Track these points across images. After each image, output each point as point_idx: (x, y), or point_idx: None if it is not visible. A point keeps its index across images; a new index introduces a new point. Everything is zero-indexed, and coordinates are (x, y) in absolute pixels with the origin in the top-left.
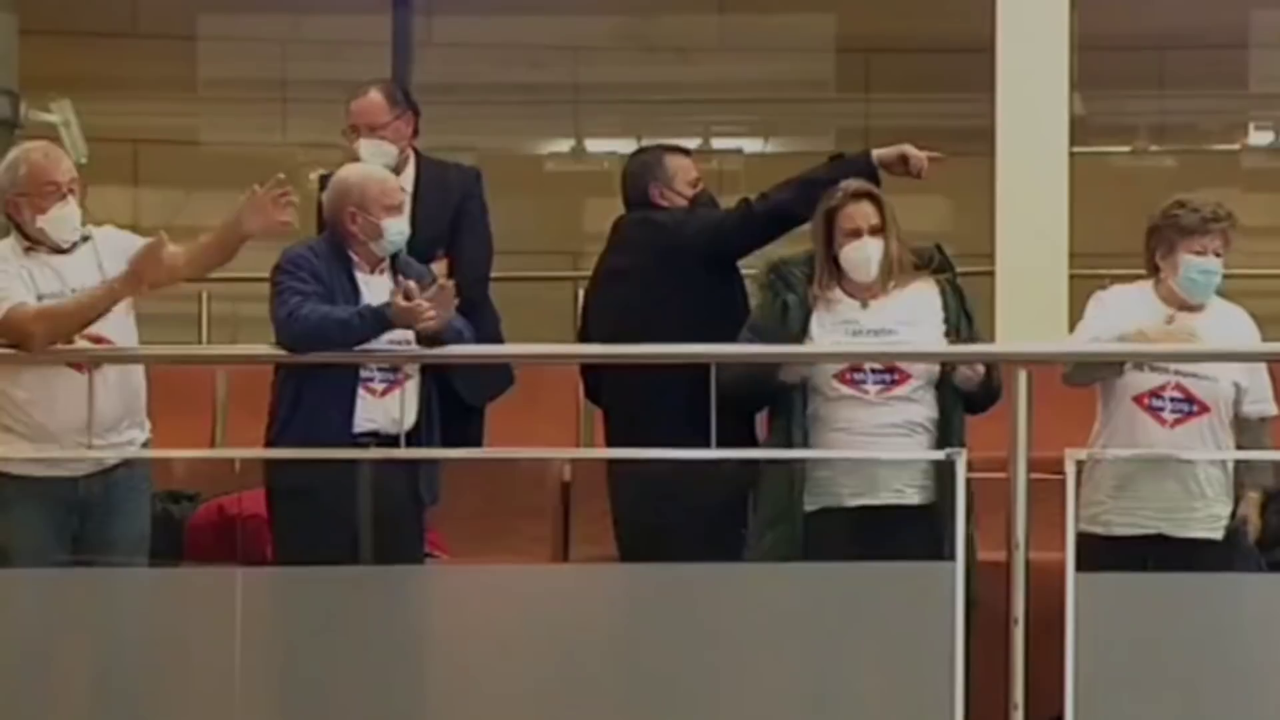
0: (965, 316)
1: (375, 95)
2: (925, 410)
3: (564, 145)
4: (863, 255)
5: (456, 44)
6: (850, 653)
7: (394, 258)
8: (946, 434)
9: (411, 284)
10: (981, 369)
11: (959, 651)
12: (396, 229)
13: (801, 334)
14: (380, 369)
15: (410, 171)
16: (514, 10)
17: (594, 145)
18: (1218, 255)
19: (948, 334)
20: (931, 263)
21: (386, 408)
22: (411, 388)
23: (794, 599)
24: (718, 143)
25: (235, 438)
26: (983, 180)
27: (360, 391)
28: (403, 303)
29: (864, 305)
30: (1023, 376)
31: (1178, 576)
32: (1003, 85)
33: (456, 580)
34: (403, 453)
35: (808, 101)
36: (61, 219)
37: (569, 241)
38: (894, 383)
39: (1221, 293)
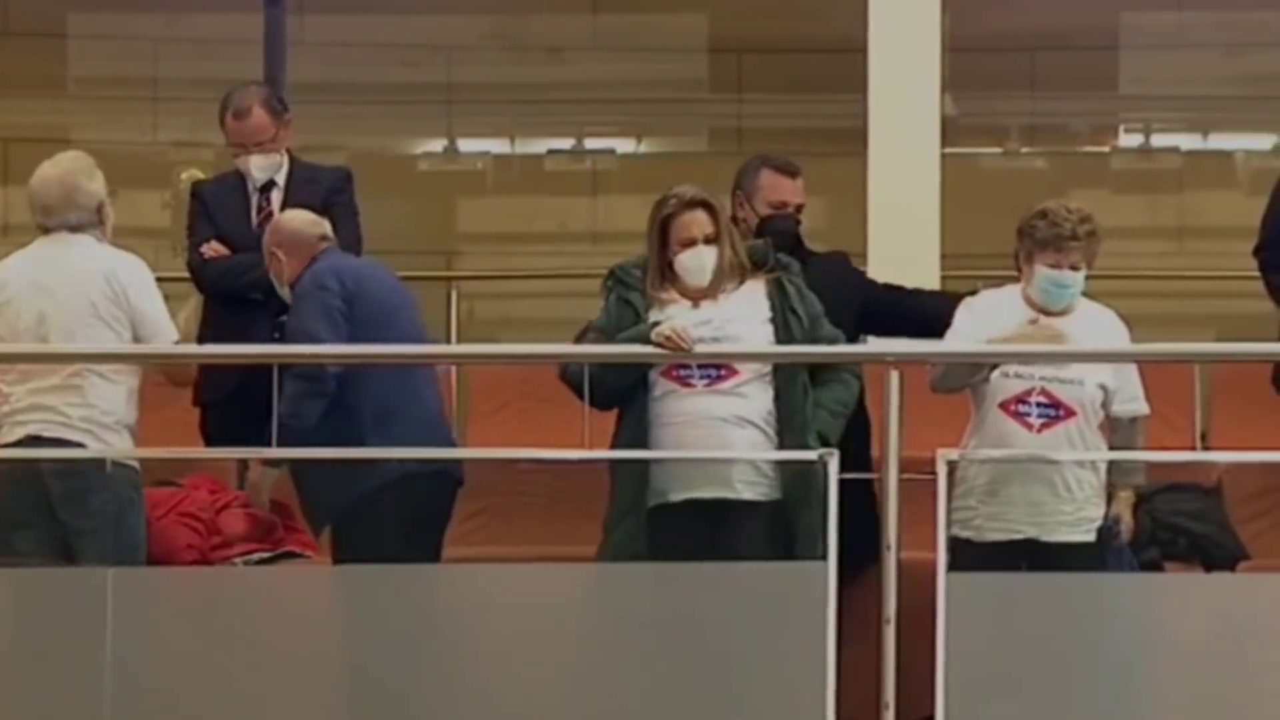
0: (792, 312)
1: (260, 114)
2: (757, 405)
3: (437, 145)
4: (697, 263)
5: (329, 43)
6: (721, 653)
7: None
8: (789, 431)
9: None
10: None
11: (830, 652)
12: None
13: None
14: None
15: (284, 170)
16: (386, 9)
17: (467, 145)
18: (1075, 269)
19: (776, 331)
20: (766, 261)
21: None
22: None
23: (662, 599)
24: (591, 143)
25: None
26: (855, 180)
27: None
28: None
29: (695, 306)
30: (894, 377)
31: (1049, 577)
32: (874, 86)
33: (323, 580)
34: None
35: (681, 101)
36: None
37: (442, 241)
38: (719, 377)
39: (1087, 294)
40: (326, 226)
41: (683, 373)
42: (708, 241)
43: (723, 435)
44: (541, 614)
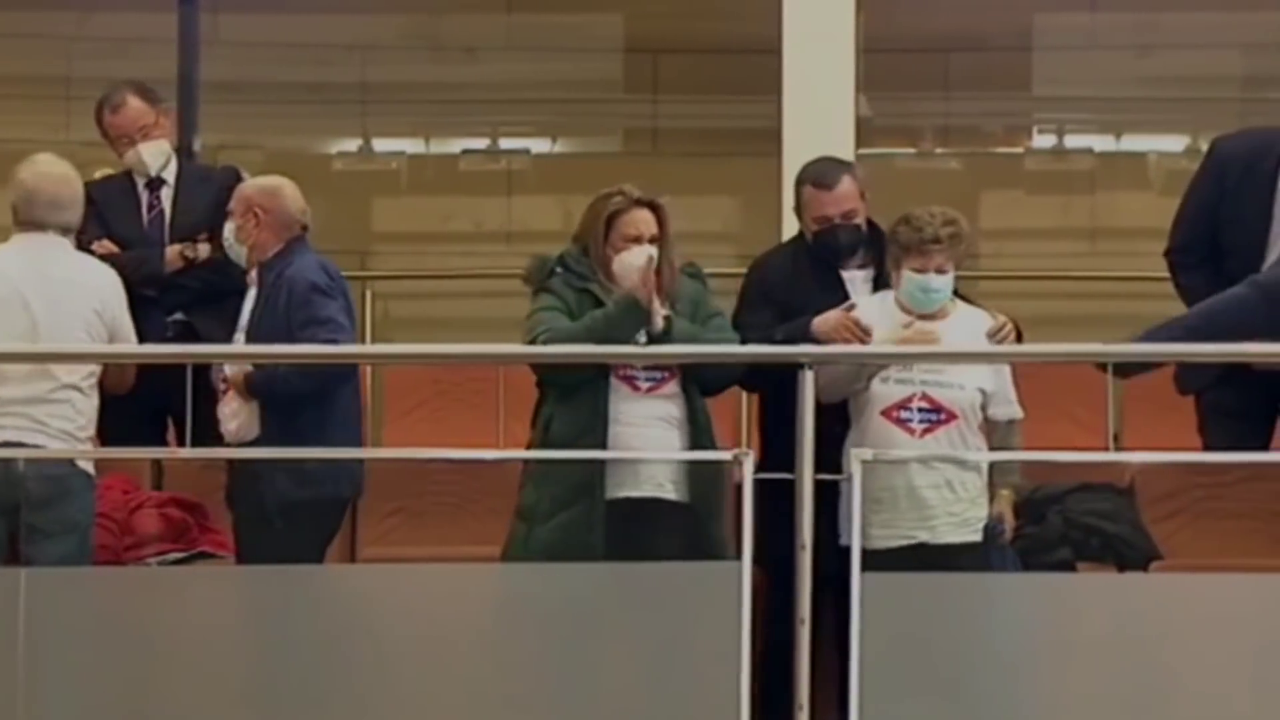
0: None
1: (135, 101)
2: (680, 406)
3: (352, 144)
4: (640, 262)
5: (243, 42)
6: (637, 653)
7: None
8: (696, 432)
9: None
10: None
11: (745, 653)
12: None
13: None
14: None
15: (173, 168)
16: (301, 9)
17: (382, 145)
18: (941, 272)
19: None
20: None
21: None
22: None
23: (579, 597)
24: (505, 143)
25: None
26: (770, 181)
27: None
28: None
29: None
30: (808, 377)
31: (958, 577)
32: (789, 87)
33: (238, 581)
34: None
35: (596, 102)
36: None
37: (357, 241)
38: (662, 380)
39: (959, 293)
40: (309, 218)
41: (630, 373)
42: (651, 241)
43: (665, 438)
44: (455, 613)
